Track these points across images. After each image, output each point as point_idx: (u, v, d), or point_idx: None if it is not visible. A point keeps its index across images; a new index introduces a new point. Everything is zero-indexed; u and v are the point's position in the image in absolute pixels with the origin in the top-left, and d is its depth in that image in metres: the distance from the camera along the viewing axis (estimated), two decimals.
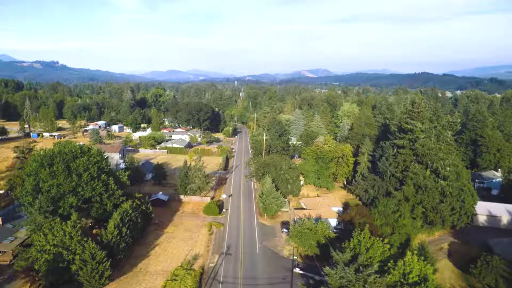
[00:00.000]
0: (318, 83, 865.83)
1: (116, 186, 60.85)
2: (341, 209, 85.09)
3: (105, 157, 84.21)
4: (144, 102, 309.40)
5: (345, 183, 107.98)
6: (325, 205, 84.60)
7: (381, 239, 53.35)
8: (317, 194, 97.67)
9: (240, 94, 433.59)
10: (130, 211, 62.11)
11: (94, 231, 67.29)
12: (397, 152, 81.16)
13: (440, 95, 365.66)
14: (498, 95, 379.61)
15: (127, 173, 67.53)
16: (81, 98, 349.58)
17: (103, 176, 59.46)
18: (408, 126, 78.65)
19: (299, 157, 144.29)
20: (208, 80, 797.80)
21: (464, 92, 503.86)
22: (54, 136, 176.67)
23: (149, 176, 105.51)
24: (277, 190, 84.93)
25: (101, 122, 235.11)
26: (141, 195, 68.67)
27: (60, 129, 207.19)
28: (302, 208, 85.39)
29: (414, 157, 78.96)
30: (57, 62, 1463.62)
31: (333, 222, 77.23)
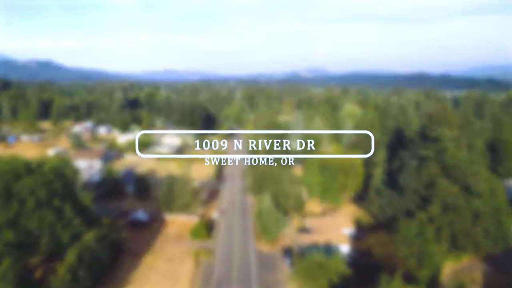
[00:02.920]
0: (315, 83, 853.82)
1: (73, 214, 47.60)
2: (353, 231, 72.26)
3: (74, 170, 71.34)
4: (136, 102, 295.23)
5: (354, 196, 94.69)
6: (335, 227, 71.74)
7: None
8: (324, 211, 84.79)
9: (237, 94, 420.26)
10: (93, 244, 48.99)
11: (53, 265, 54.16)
12: (420, 165, 68.38)
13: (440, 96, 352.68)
14: (496, 96, 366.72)
15: (88, 196, 54.05)
16: (71, 98, 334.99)
17: (55, 201, 46.24)
18: (434, 134, 65.90)
19: (301, 163, 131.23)
20: (205, 79, 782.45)
21: (464, 92, 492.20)
22: (34, 139, 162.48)
23: (130, 188, 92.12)
24: (277, 206, 72.09)
25: (88, 124, 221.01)
26: (108, 221, 55.37)
27: (43, 131, 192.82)
28: (307, 230, 72.55)
29: (441, 171, 66.18)
30: (53, 61, 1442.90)
31: (345, 249, 64.48)
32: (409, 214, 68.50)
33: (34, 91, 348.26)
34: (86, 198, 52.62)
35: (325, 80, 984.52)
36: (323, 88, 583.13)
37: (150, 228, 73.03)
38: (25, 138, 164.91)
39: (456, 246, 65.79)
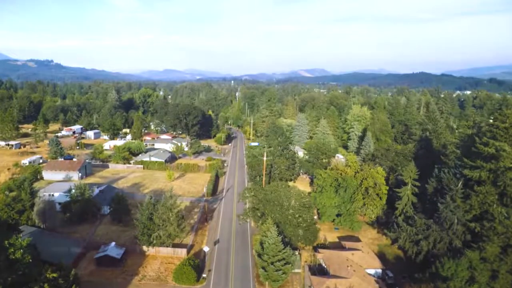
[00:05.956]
0: (316, 83, 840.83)
1: None
2: (380, 271, 57.24)
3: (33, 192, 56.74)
4: (131, 104, 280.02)
5: (373, 219, 78.94)
6: (356, 266, 56.60)
7: None
8: (339, 240, 69.63)
9: (236, 94, 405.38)
10: None
11: None
12: (468, 189, 53.32)
13: (443, 96, 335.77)
14: (498, 95, 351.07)
15: (21, 246, 38.09)
16: (62, 99, 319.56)
17: None
18: (489, 150, 50.80)
19: (306, 173, 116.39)
20: (205, 80, 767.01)
21: (470, 92, 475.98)
22: (12, 145, 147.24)
23: (106, 209, 76.98)
24: (283, 236, 57.11)
25: (77, 127, 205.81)
26: (56, 274, 40.07)
27: (25, 135, 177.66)
28: (322, 270, 57.50)
29: (499, 198, 51.17)
30: (52, 61, 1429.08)
31: None
32: (454, 252, 53.61)
33: (24, 92, 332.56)
34: (18, 250, 37.15)
35: (325, 80, 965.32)
36: (324, 88, 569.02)
37: (125, 266, 57.82)
38: (1, 143, 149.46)
39: None
